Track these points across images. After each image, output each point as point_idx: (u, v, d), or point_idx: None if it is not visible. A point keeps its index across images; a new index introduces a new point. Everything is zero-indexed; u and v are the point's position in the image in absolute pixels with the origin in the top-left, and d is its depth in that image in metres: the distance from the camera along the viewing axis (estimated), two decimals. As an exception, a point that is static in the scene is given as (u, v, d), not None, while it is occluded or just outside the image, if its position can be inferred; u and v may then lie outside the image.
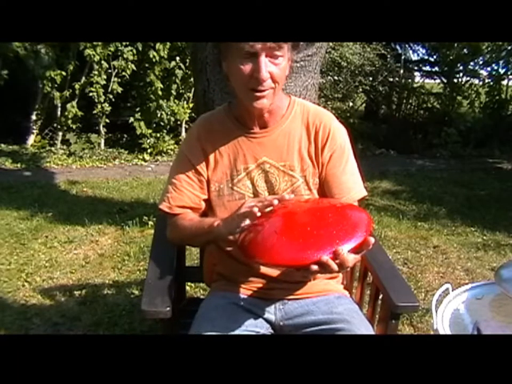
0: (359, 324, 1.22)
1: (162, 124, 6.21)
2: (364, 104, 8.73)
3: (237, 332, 1.21)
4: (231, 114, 1.33)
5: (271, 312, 1.30)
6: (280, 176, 1.28)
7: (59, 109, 6.04)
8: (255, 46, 1.11)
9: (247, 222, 1.10)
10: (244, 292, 1.32)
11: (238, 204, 1.25)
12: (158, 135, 6.21)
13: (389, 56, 7.46)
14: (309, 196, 1.28)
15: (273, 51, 1.13)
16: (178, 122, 6.47)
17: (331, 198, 1.28)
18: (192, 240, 1.37)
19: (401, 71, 7.67)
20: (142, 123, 6.09)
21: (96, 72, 5.76)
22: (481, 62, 7.34)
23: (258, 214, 1.07)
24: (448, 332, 1.40)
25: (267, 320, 1.30)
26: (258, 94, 1.18)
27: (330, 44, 6.02)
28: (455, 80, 7.53)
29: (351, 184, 1.31)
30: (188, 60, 5.91)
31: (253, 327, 1.25)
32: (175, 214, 1.32)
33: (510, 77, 7.40)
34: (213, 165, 1.30)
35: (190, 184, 1.31)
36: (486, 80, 7.35)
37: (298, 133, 1.29)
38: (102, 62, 5.71)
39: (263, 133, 1.29)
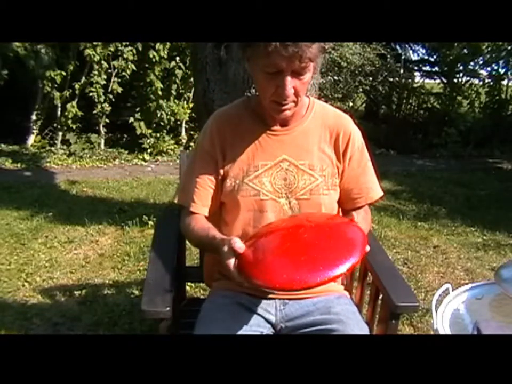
0: (353, 324, 1.21)
1: (162, 123, 6.21)
2: (364, 104, 8.74)
3: (241, 332, 1.21)
4: (250, 109, 1.31)
5: (272, 313, 1.30)
6: (299, 174, 1.27)
7: (59, 109, 6.03)
8: (281, 67, 1.10)
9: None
10: (246, 290, 1.31)
11: (251, 200, 1.26)
12: (158, 135, 6.21)
13: (389, 56, 7.45)
14: (327, 196, 1.28)
15: (298, 69, 1.12)
16: (178, 122, 6.47)
17: (326, 213, 1.29)
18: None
19: (401, 71, 7.67)
20: (142, 123, 6.09)
21: (96, 72, 5.76)
22: (481, 62, 7.34)
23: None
24: (448, 332, 1.40)
25: (268, 321, 1.30)
26: (281, 107, 1.19)
27: (330, 43, 6.01)
28: (455, 80, 7.53)
29: (370, 184, 1.36)
30: (187, 60, 5.91)
31: (256, 326, 1.25)
32: (196, 212, 1.31)
33: (510, 77, 7.40)
34: (230, 161, 1.28)
35: (212, 181, 1.30)
36: (486, 80, 7.35)
37: (318, 133, 1.30)
38: (102, 62, 5.71)
39: (284, 130, 1.29)
